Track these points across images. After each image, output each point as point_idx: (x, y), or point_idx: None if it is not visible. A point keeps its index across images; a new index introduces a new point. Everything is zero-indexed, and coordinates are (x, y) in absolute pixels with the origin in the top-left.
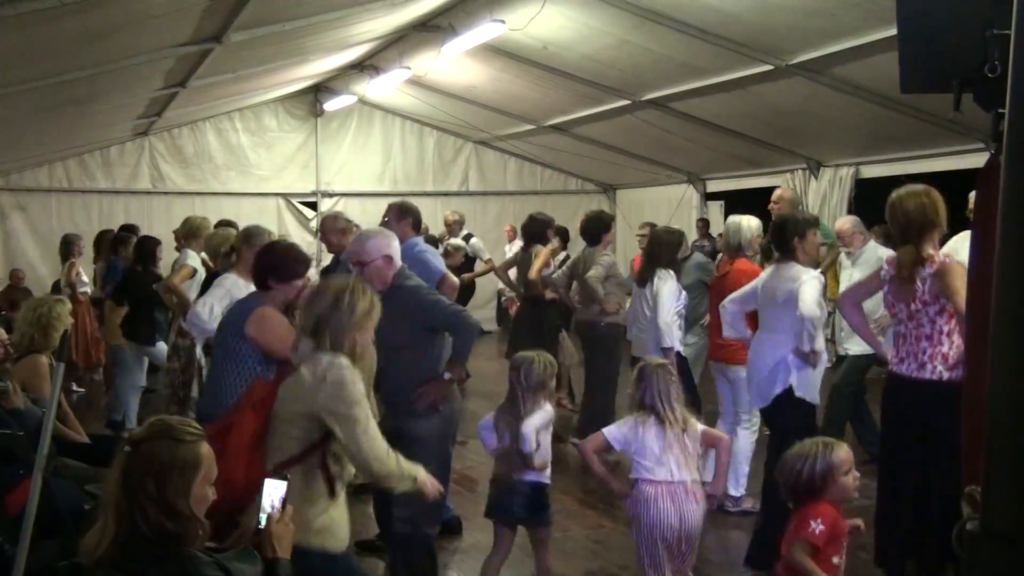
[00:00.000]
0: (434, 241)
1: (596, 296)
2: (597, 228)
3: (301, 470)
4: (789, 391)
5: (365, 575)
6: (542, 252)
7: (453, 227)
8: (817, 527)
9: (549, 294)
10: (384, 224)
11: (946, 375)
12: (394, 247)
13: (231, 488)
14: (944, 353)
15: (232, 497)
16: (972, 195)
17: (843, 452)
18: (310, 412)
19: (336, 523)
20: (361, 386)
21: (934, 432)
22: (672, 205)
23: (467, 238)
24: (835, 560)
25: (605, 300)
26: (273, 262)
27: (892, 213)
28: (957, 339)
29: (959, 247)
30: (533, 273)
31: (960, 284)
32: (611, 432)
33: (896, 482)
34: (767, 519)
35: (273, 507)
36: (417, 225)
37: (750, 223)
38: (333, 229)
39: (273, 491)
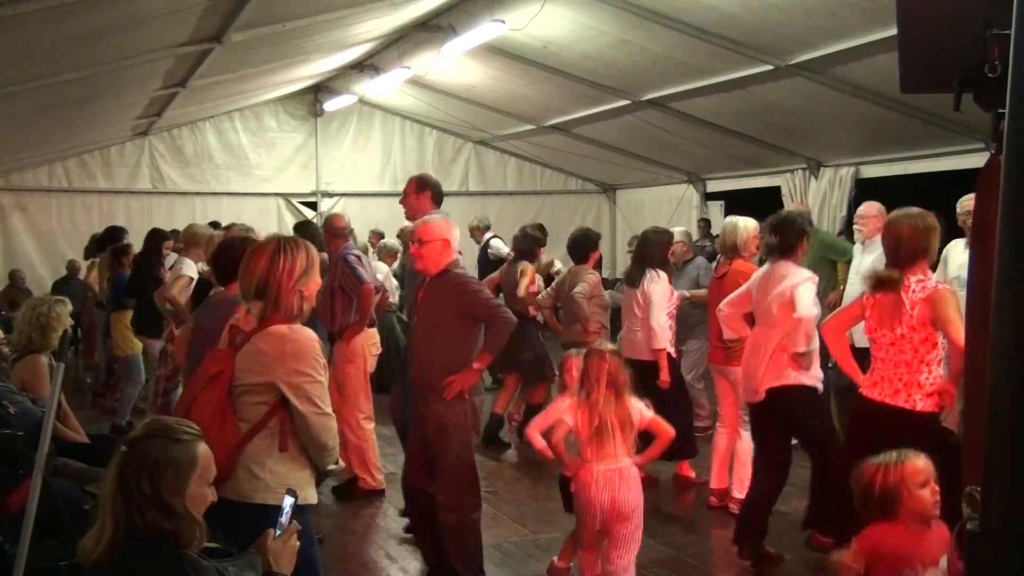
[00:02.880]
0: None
1: (581, 313)
2: (584, 246)
3: (267, 432)
4: (798, 383)
5: (314, 532)
6: (529, 270)
7: (473, 233)
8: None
9: (533, 311)
10: (403, 198)
11: (919, 404)
12: (454, 234)
13: None
14: (920, 382)
15: None
16: (961, 200)
17: (920, 462)
18: (270, 383)
19: (286, 479)
20: (318, 354)
21: None
22: (672, 205)
23: (488, 243)
24: None
25: (588, 319)
26: (231, 258)
27: (885, 233)
28: (936, 370)
29: (949, 255)
30: (521, 292)
31: (954, 313)
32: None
33: None
34: (748, 507)
35: (281, 523)
36: (438, 199)
37: (747, 224)
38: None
39: (288, 506)
